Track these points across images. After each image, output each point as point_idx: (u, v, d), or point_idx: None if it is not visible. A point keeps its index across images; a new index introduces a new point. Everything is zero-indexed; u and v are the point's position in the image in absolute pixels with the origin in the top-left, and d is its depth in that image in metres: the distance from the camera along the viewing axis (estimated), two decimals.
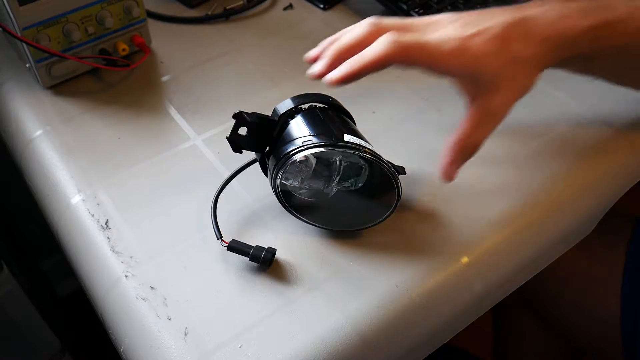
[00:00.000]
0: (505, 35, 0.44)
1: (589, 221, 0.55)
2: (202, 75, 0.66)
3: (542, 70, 0.46)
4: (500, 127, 0.57)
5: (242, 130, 0.47)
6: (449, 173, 0.47)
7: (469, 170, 0.54)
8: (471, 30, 0.44)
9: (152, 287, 0.47)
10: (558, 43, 0.45)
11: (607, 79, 0.53)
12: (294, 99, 0.49)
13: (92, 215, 0.52)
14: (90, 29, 0.62)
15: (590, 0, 0.47)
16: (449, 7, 0.69)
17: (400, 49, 0.42)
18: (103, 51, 0.64)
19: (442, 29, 0.44)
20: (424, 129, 0.59)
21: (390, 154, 0.48)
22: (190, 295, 0.47)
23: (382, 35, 0.43)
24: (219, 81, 0.66)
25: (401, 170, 0.48)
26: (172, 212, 0.53)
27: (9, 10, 0.56)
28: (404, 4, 0.68)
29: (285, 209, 0.48)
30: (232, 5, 0.75)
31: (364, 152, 0.44)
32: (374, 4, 0.71)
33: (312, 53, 0.49)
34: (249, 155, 0.50)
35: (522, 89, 0.46)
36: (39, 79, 0.63)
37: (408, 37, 0.43)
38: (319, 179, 0.48)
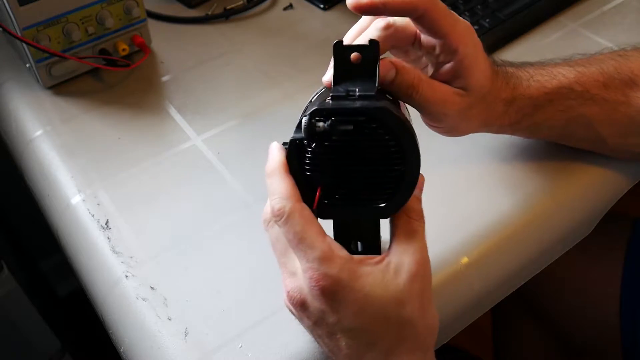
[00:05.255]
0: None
1: (588, 222, 0.55)
2: (202, 75, 0.66)
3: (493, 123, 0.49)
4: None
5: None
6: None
7: (469, 170, 0.55)
8: None
9: (152, 287, 0.47)
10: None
11: (556, 141, 0.55)
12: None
13: (92, 216, 0.52)
14: (91, 29, 0.62)
15: (538, 68, 0.49)
16: (448, 8, 0.68)
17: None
18: (103, 51, 0.64)
19: None
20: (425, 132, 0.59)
21: None
22: (190, 295, 0.47)
23: None
24: (219, 81, 0.66)
25: None
26: (172, 212, 0.53)
27: (9, 10, 0.56)
28: None
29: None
30: (232, 5, 0.75)
31: None
32: None
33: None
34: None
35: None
36: (39, 79, 0.63)
37: None
38: None
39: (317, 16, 0.74)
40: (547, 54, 0.55)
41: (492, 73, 0.46)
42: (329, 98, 0.37)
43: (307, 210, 0.37)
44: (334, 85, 0.39)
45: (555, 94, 0.48)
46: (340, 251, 0.37)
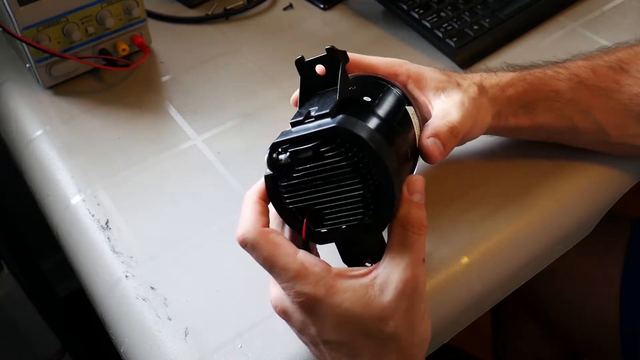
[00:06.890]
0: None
1: (588, 222, 0.55)
2: (202, 75, 0.66)
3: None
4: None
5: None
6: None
7: (469, 170, 0.55)
8: None
9: (152, 287, 0.47)
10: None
11: (559, 140, 0.54)
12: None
13: (92, 216, 0.52)
14: (91, 29, 0.62)
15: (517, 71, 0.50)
16: (449, 7, 0.69)
17: None
18: (103, 51, 0.64)
19: None
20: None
21: None
22: (190, 295, 0.47)
23: None
24: (219, 81, 0.66)
25: None
26: (172, 212, 0.53)
27: (9, 10, 0.56)
28: (404, 4, 0.68)
29: None
30: (232, 5, 0.75)
31: None
32: (374, 4, 0.71)
33: None
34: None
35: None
36: (39, 79, 0.63)
37: None
38: None
39: (317, 16, 0.74)
40: (547, 54, 0.56)
41: (448, 83, 0.47)
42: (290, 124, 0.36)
43: (273, 234, 0.36)
44: (299, 106, 0.37)
45: (539, 78, 0.49)
46: (315, 267, 0.36)
